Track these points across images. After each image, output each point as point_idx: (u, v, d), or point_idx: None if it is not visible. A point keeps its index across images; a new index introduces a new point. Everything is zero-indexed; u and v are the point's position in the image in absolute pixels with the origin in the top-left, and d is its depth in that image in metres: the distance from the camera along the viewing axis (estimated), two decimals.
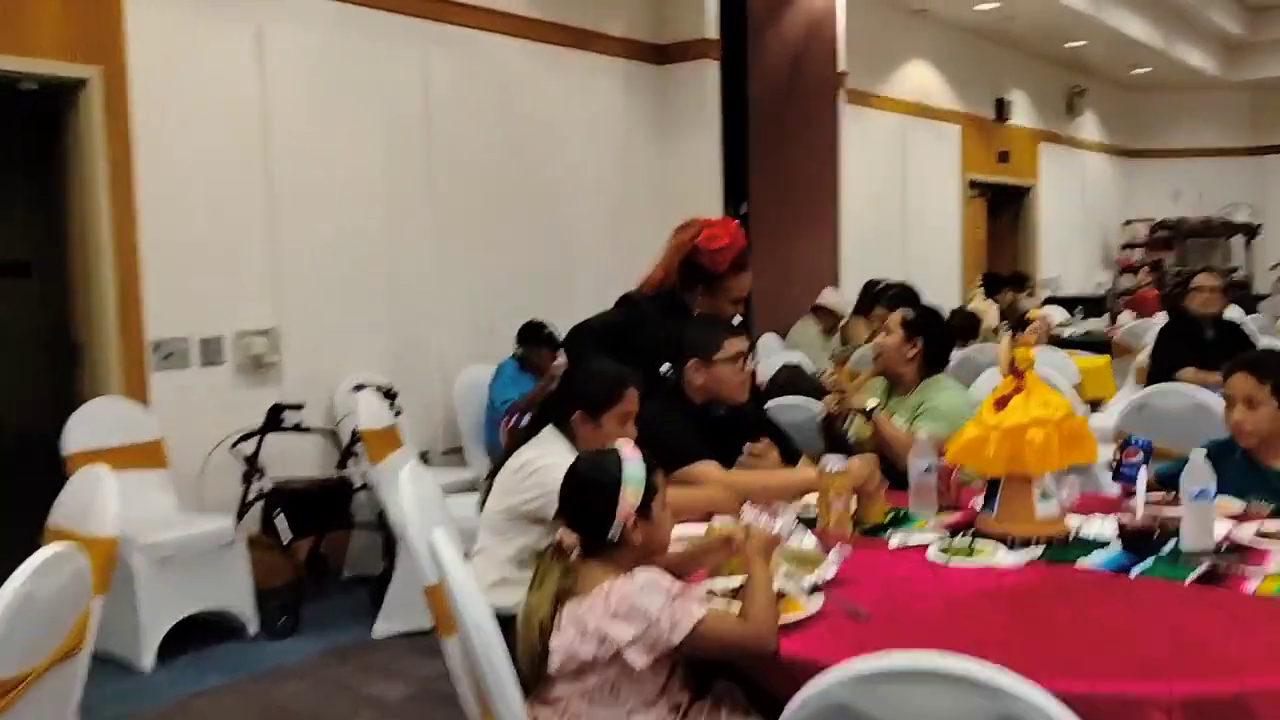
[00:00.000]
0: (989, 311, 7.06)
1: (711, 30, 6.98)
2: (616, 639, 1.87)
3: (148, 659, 4.08)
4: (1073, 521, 2.55)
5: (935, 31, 9.98)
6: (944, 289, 9.59)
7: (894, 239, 9.55)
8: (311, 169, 5.23)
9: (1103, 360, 6.61)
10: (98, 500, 2.72)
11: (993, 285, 7.95)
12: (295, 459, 5.04)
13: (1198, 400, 3.75)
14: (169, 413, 4.68)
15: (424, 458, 5.61)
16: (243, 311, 5.00)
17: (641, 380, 2.74)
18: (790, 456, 3.15)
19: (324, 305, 5.29)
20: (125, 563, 4.07)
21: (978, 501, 2.79)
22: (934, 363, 3.53)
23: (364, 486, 4.83)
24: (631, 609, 1.87)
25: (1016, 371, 2.50)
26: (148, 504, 4.42)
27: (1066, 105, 12.58)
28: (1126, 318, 9.04)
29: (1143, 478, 2.46)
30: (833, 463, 2.52)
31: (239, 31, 4.97)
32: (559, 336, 5.50)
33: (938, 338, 3.57)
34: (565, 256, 6.53)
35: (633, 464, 2.01)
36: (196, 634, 4.28)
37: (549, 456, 2.57)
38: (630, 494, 1.98)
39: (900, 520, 2.73)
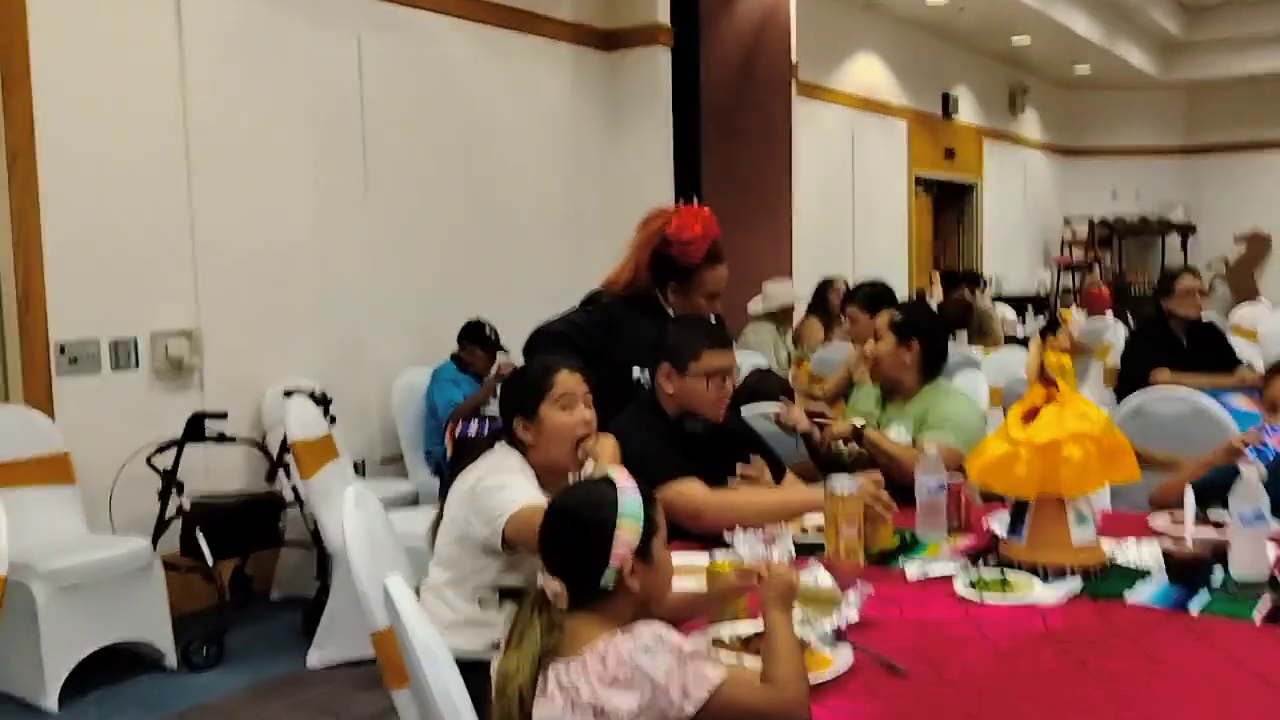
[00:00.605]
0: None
1: (663, 15, 6.68)
2: (616, 710, 1.53)
3: (51, 698, 3.63)
4: (1105, 547, 2.28)
5: (885, 24, 9.80)
6: (896, 286, 9.40)
7: (843, 234, 9.34)
8: (236, 156, 4.80)
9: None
10: None
11: (949, 283, 7.76)
12: (219, 472, 4.63)
13: (1198, 405, 3.53)
14: (76, 423, 4.23)
15: (359, 468, 5.23)
16: (159, 310, 4.56)
17: (580, 368, 2.41)
18: (776, 474, 2.85)
19: (250, 304, 4.86)
20: (25, 592, 3.62)
21: (991, 522, 2.52)
22: (934, 364, 3.25)
23: (295, 501, 4.43)
24: (634, 673, 1.54)
25: (1047, 379, 2.21)
26: (51, 525, 3.97)
27: (1010, 103, 12.51)
28: (1076, 317, 8.93)
29: (1190, 502, 2.20)
30: (841, 484, 2.22)
31: (155, 5, 4.52)
32: (498, 336, 5.16)
33: (935, 336, 3.28)
34: (509, 252, 6.17)
35: (630, 496, 1.68)
36: (107, 668, 3.85)
37: (498, 474, 2.23)
38: (627, 532, 1.64)
39: (909, 545, 2.44)
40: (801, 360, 6.40)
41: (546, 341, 3.09)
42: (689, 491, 2.51)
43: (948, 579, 2.15)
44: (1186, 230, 14.10)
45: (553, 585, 1.63)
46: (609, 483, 1.69)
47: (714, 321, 3.24)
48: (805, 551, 2.39)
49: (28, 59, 4.12)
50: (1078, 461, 2.13)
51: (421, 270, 5.63)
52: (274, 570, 4.77)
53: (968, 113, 11.44)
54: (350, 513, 2.22)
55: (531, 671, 1.60)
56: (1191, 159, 14.42)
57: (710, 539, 2.43)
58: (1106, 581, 2.12)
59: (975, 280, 7.65)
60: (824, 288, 7.28)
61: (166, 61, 4.56)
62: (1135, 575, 2.15)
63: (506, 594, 2.19)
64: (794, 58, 7.83)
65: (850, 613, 1.89)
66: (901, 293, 9.64)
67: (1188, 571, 2.08)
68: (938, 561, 2.24)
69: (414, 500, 4.89)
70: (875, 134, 9.81)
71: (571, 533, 1.67)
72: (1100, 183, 14.14)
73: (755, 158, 7.40)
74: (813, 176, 8.55)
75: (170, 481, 4.12)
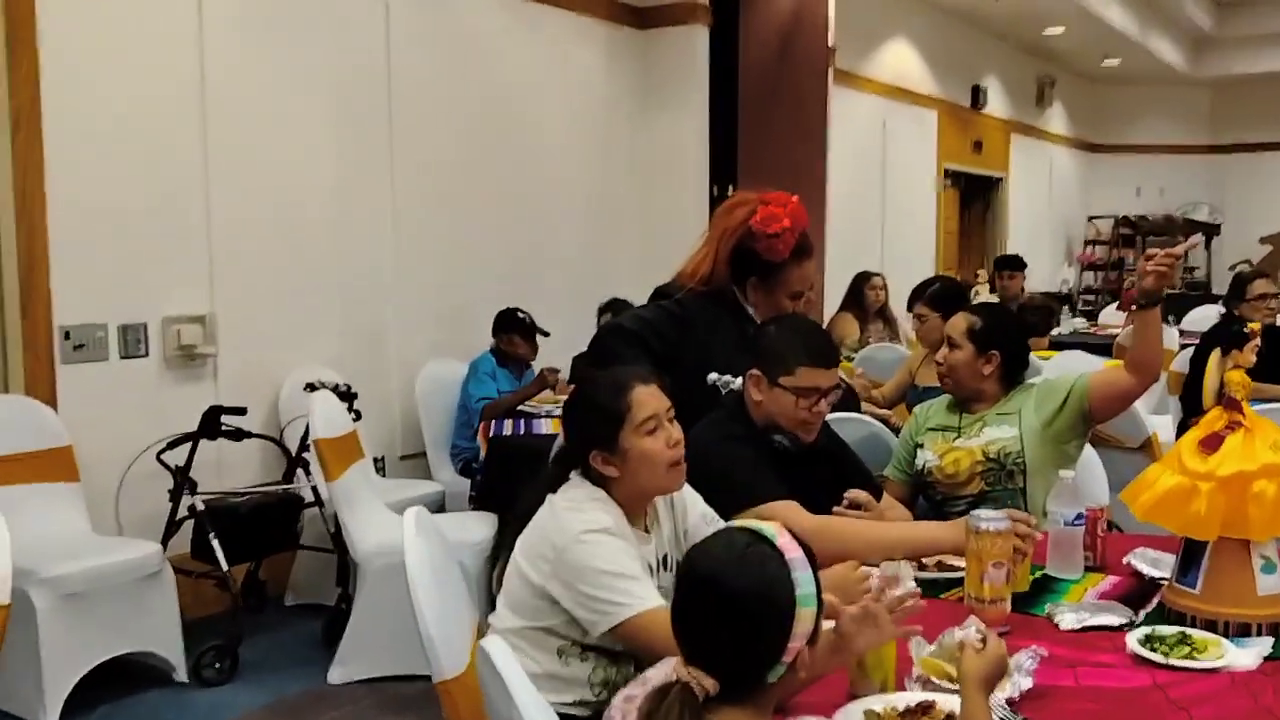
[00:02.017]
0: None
1: None
2: None
3: (52, 716, 3.32)
4: None
5: (919, 11, 9.47)
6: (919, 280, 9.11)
7: (872, 226, 9.03)
8: (255, 132, 4.47)
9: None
10: None
11: (999, 267, 7.39)
12: (233, 468, 4.32)
13: None
14: (81, 414, 3.91)
15: (380, 465, 4.92)
16: (172, 295, 4.23)
17: (655, 374, 2.07)
18: (873, 494, 2.54)
19: (267, 289, 4.54)
20: (24, 599, 3.30)
21: (1133, 560, 2.22)
22: (1016, 373, 2.95)
23: (315, 501, 4.11)
24: None
25: (1231, 402, 1.90)
26: (53, 525, 3.66)
27: (1037, 96, 12.20)
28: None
29: None
30: (987, 519, 1.91)
31: None
32: (535, 322, 4.85)
33: (1015, 343, 2.98)
34: (538, 236, 5.85)
35: (804, 573, 1.35)
36: (113, 682, 3.54)
37: (596, 542, 1.85)
38: (806, 621, 1.33)
39: (1043, 586, 2.14)
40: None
41: (618, 340, 2.78)
42: (790, 517, 2.19)
43: (1111, 632, 1.85)
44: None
45: (706, 682, 1.30)
46: (772, 549, 1.36)
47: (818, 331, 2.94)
48: (932, 591, 2.09)
49: (34, 24, 3.78)
50: (1271, 499, 1.82)
51: (447, 255, 5.30)
52: (289, 574, 4.46)
53: (996, 105, 11.13)
54: (413, 542, 1.90)
55: None
56: (1217, 157, 14.13)
57: None
58: None
59: (1021, 265, 7.31)
60: (859, 282, 6.96)
61: (183, 29, 4.22)
62: None
63: (593, 648, 1.88)
64: (832, 42, 7.50)
65: (1023, 680, 1.58)
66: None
67: None
68: (1094, 610, 1.93)
69: (440, 503, 4.58)
70: (906, 124, 9.49)
71: (735, 622, 1.32)
72: (1125, 180, 13.85)
73: (791, 144, 7.06)
74: (844, 165, 8.22)
75: (182, 479, 3.80)
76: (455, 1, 5.34)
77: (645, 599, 1.78)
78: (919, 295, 4.40)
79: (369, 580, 3.68)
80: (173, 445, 3.86)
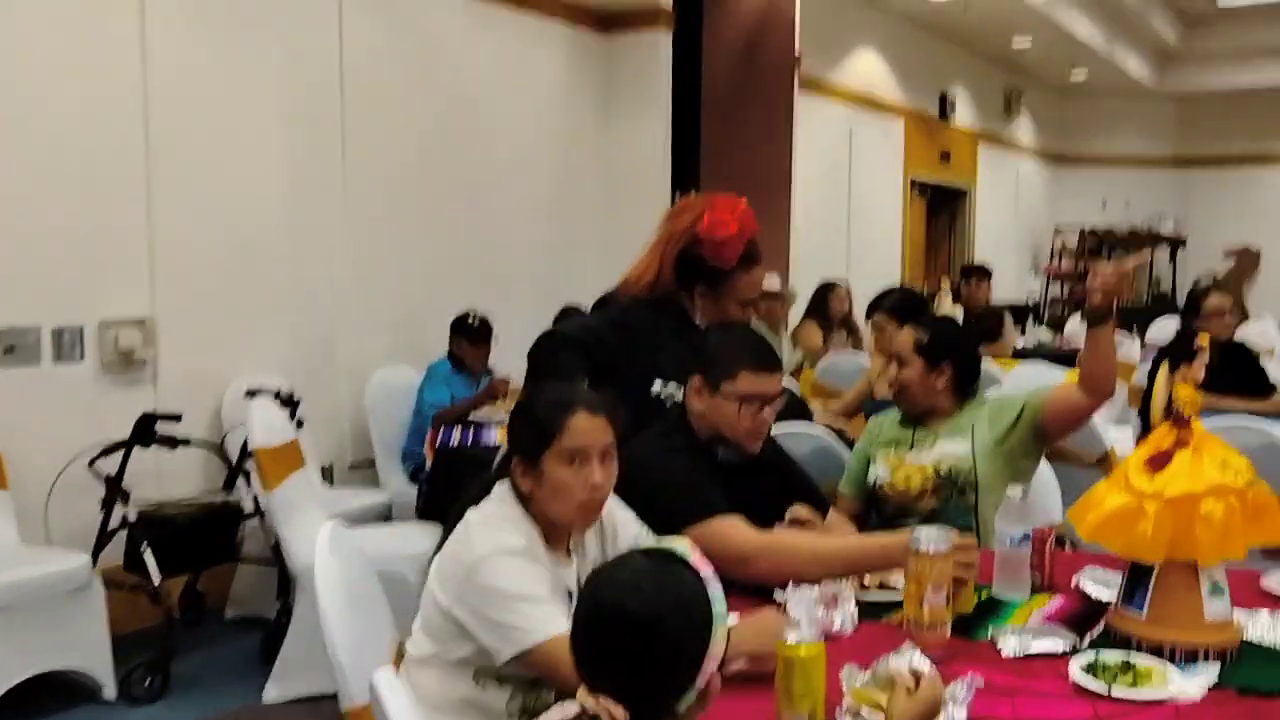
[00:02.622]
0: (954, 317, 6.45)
1: None
2: None
3: None
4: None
5: (887, 19, 9.44)
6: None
7: (839, 235, 8.98)
8: (201, 131, 4.35)
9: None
10: None
11: (964, 276, 7.33)
12: (172, 477, 4.18)
13: (1273, 437, 3.18)
14: (10, 420, 3.78)
15: (328, 473, 4.81)
16: (110, 297, 4.10)
17: (615, 402, 1.97)
18: (819, 509, 2.46)
19: (212, 292, 4.41)
20: None
21: (1082, 580, 2.15)
22: (968, 383, 2.88)
23: (255, 512, 3.99)
24: None
25: (1179, 418, 1.83)
26: None
27: (1005, 106, 12.22)
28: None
29: None
30: (929, 539, 1.82)
31: None
32: (487, 326, 4.75)
33: (965, 353, 2.91)
34: (496, 242, 5.75)
35: (717, 589, 1.27)
36: (38, 699, 3.41)
37: (506, 562, 1.75)
38: (720, 642, 1.24)
39: (988, 608, 2.06)
40: (801, 368, 6.02)
41: (557, 348, 2.68)
42: (733, 532, 2.11)
43: (1054, 658, 1.77)
44: (1176, 243, 13.89)
45: (616, 712, 1.21)
46: (685, 566, 1.27)
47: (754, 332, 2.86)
48: (873, 613, 2.01)
49: None
50: (1219, 520, 1.75)
51: (401, 260, 5.20)
52: (229, 587, 4.32)
53: (964, 115, 11.13)
54: (324, 561, 1.80)
55: None
56: (1182, 171, 14.20)
57: (756, 590, 2.05)
58: (1250, 670, 1.75)
59: (987, 274, 7.26)
60: (824, 291, 6.90)
61: (126, 24, 4.11)
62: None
63: (509, 675, 1.78)
64: (798, 49, 7.45)
65: (958, 713, 1.50)
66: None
67: None
68: (1037, 634, 1.85)
69: (387, 514, 4.46)
70: (873, 133, 9.45)
71: (651, 644, 1.23)
72: (1091, 191, 13.89)
73: (756, 150, 7.00)
74: (811, 173, 8.17)
75: (115, 489, 3.67)
76: (410, 4, 5.23)
77: (552, 624, 1.68)
78: (878, 305, 4.34)
79: (307, 594, 3.55)
80: (106, 453, 3.73)
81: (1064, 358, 7.05)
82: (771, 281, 6.59)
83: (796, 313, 6.91)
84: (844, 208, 9.09)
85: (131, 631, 3.77)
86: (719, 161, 6.56)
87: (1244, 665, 1.76)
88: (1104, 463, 3.74)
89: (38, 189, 3.86)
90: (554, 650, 1.65)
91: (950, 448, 2.74)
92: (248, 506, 4.01)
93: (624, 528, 2.05)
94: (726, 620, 1.26)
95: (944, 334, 2.91)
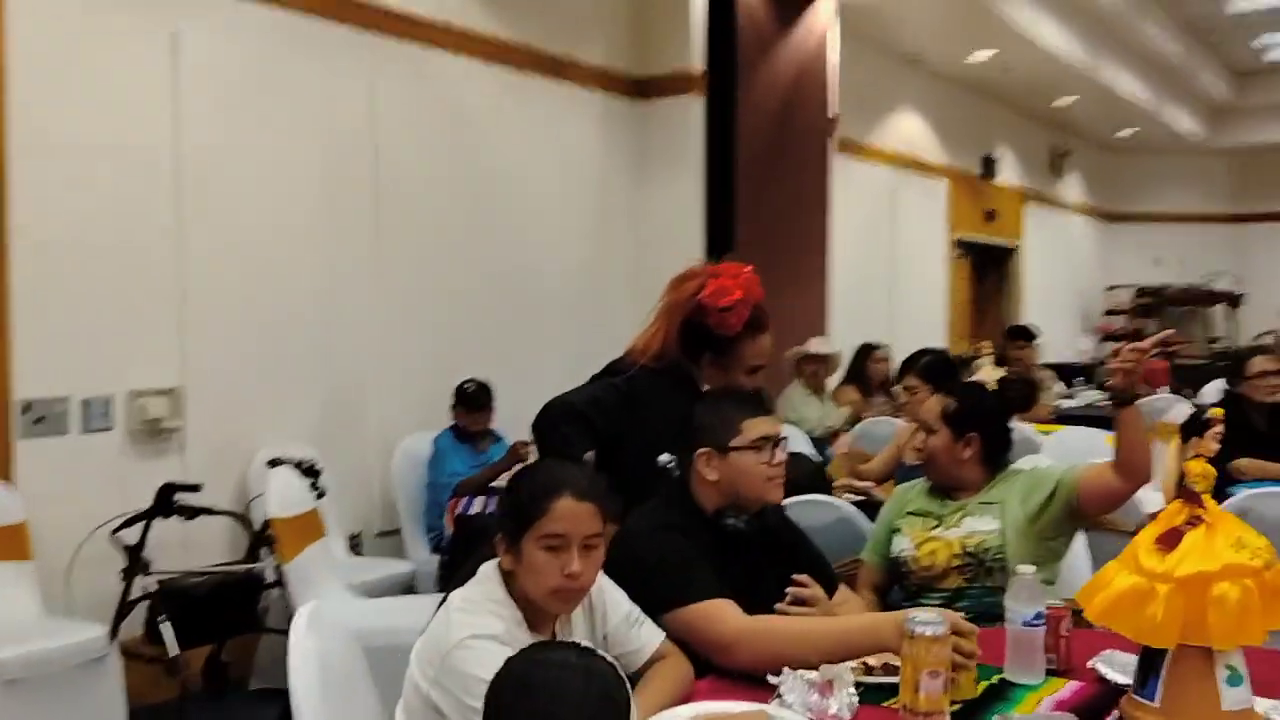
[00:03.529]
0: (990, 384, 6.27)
1: (697, 63, 6.30)
2: None
3: None
4: (1259, 708, 1.79)
5: (927, 82, 9.43)
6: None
7: (880, 297, 8.89)
8: (232, 202, 4.42)
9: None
10: None
11: (1008, 337, 7.15)
12: (199, 546, 4.18)
13: None
14: (38, 490, 3.81)
15: (355, 542, 4.79)
16: (139, 367, 4.15)
17: (597, 482, 1.91)
18: (827, 584, 2.37)
19: (241, 361, 4.45)
20: None
21: (1098, 664, 2.04)
22: (998, 455, 2.79)
23: (278, 582, 3.97)
24: None
25: (1190, 495, 1.74)
26: (2, 607, 3.54)
27: (1050, 165, 12.11)
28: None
29: None
30: (924, 622, 1.74)
31: (150, 33, 4.16)
32: (486, 393, 4.74)
33: (994, 423, 2.82)
34: (528, 311, 5.75)
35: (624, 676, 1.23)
36: None
37: (463, 616, 1.74)
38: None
39: (997, 692, 1.96)
40: (838, 433, 5.92)
41: (560, 419, 2.65)
42: (720, 617, 2.04)
43: None
44: (1234, 300, 13.59)
45: None
46: (618, 678, 1.23)
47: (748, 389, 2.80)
48: (873, 697, 1.92)
49: (3, 91, 3.75)
50: (1233, 603, 1.65)
51: (432, 329, 5.21)
52: (254, 657, 4.30)
53: (1009, 174, 11.05)
54: (299, 643, 1.76)
55: None
56: (1238, 226, 13.96)
57: (747, 676, 1.97)
58: None
59: (1031, 336, 7.09)
60: (863, 354, 6.82)
61: (159, 98, 4.20)
62: None
63: None
64: (833, 111, 7.45)
65: None
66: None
67: None
68: None
69: (410, 585, 4.42)
70: (915, 193, 9.40)
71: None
72: (1143, 249, 13.68)
73: (792, 214, 6.98)
74: (850, 235, 8.13)
75: (135, 559, 3.67)
76: (443, 75, 5.31)
77: (483, 643, 1.64)
78: (909, 367, 4.25)
79: None
80: (128, 523, 3.74)
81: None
82: (818, 344, 6.54)
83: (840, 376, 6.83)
84: (887, 269, 9.02)
85: (152, 704, 3.75)
86: (753, 225, 6.54)
87: None
88: None
89: (69, 260, 3.93)
90: None
91: (979, 524, 2.65)
92: (270, 576, 3.99)
93: (614, 608, 1.99)
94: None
95: (973, 402, 2.83)
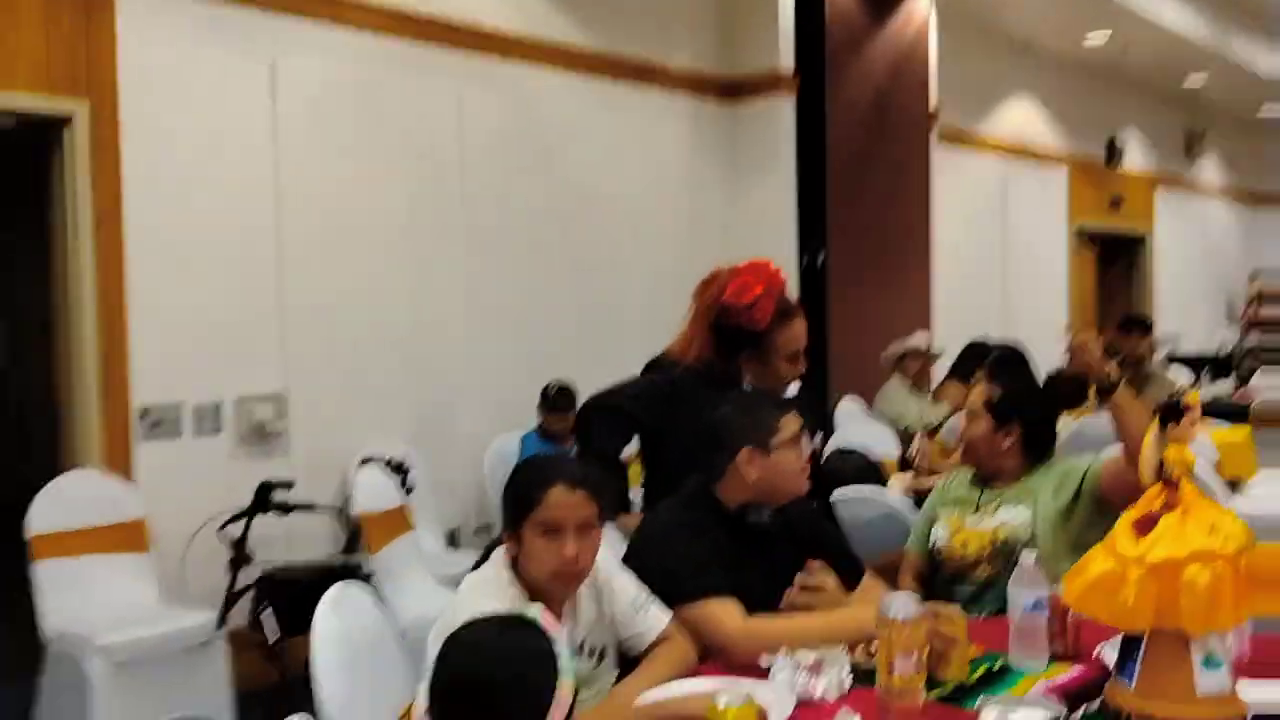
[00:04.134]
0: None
1: (787, 63, 6.34)
2: None
3: None
4: (1248, 694, 1.77)
5: (1040, 67, 9.19)
6: (1049, 346, 8.70)
7: (992, 292, 8.71)
8: (329, 217, 4.70)
9: (1242, 432, 5.65)
10: None
11: (1124, 329, 6.89)
12: (303, 541, 4.46)
13: None
14: (155, 489, 4.14)
15: (453, 537, 5.01)
16: (246, 374, 4.46)
17: (589, 472, 2.03)
18: (851, 573, 2.42)
19: (340, 368, 4.73)
20: (77, 666, 3.51)
21: (1109, 651, 2.03)
22: (1039, 448, 2.77)
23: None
24: None
25: (1168, 481, 1.74)
26: (120, 595, 3.86)
27: (1185, 147, 11.59)
28: (1265, 380, 7.96)
29: None
30: (898, 605, 1.79)
31: (250, 64, 4.48)
32: (569, 395, 4.88)
33: (1038, 415, 2.80)
34: (618, 315, 5.89)
35: (565, 648, 1.35)
36: None
37: (468, 598, 1.88)
38: (566, 692, 1.31)
39: (994, 676, 1.98)
40: (934, 430, 5.85)
41: (599, 415, 2.77)
42: (721, 618, 2.12)
43: None
44: None
45: None
46: (533, 629, 1.33)
47: (793, 388, 2.87)
48: (868, 679, 1.97)
49: (117, 120, 4.11)
50: (1203, 588, 1.64)
51: (521, 334, 5.41)
52: None
53: (1136, 158, 10.64)
54: (323, 620, 1.94)
55: None
56: None
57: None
58: None
59: (1146, 327, 6.81)
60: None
61: (259, 121, 4.51)
62: None
63: None
64: (934, 103, 7.37)
65: None
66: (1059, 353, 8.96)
67: None
68: (1024, 705, 1.78)
69: None
70: (1030, 183, 9.17)
71: (493, 707, 1.31)
72: None
73: (889, 211, 6.94)
74: (957, 229, 8.00)
75: (239, 552, 3.96)
76: (530, 87, 5.50)
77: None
78: (979, 360, 4.20)
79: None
80: (234, 519, 4.03)
81: (1235, 413, 6.60)
82: (918, 339, 6.47)
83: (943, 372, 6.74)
84: (998, 262, 8.83)
85: (256, 688, 4.02)
86: (847, 224, 6.54)
87: None
88: None
89: (181, 278, 4.26)
90: None
91: (1011, 515, 2.65)
92: (366, 568, 4.23)
93: (622, 592, 2.10)
94: (572, 675, 1.30)
95: (1017, 393, 2.82)
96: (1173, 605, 1.66)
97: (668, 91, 6.16)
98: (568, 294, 5.64)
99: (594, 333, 5.74)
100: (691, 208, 6.32)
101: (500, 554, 2.02)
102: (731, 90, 6.45)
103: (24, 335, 6.72)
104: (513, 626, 1.35)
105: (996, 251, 8.81)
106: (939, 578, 2.73)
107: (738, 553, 2.27)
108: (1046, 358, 7.20)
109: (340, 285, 4.74)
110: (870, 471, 3.66)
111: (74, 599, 3.74)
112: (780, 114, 6.34)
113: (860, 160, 6.68)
